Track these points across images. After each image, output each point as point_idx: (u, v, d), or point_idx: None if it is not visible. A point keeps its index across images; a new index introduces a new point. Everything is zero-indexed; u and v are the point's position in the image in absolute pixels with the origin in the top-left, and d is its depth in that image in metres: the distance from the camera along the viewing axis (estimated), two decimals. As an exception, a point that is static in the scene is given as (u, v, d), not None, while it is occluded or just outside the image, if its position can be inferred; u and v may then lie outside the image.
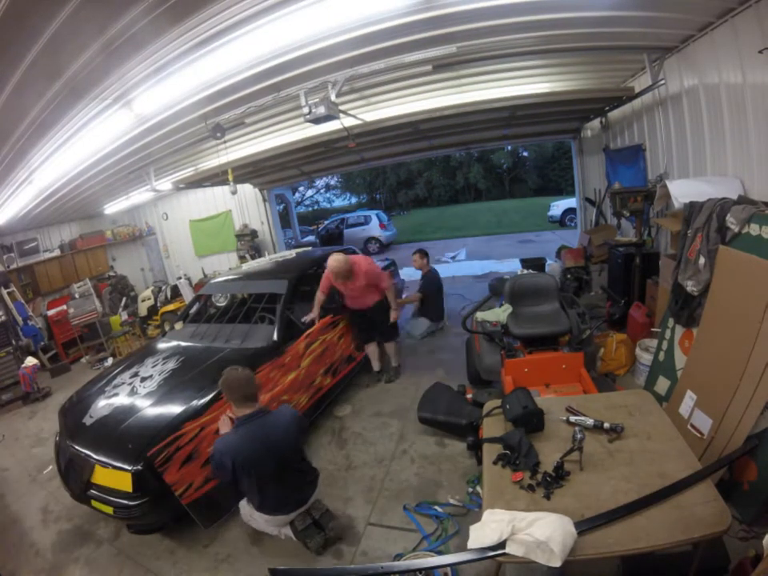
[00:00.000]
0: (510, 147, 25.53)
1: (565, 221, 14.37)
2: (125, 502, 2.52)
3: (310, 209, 31.67)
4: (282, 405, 2.86)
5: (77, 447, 2.80)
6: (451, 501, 2.67)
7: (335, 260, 3.86)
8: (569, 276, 6.26)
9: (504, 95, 5.19)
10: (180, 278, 8.44)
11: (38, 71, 2.78)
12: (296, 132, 5.85)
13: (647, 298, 4.27)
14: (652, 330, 3.78)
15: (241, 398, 2.43)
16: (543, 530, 1.50)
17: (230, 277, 4.77)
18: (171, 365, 3.37)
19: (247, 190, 9.02)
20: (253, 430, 2.36)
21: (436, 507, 2.66)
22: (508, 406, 2.25)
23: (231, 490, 2.58)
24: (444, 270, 7.74)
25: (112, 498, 2.57)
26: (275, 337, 3.52)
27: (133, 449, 2.58)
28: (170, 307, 7.40)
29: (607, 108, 5.70)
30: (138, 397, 3.06)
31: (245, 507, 2.66)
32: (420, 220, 22.50)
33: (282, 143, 5.95)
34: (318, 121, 3.97)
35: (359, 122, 5.07)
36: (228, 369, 2.51)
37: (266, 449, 2.35)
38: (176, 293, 7.98)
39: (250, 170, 6.90)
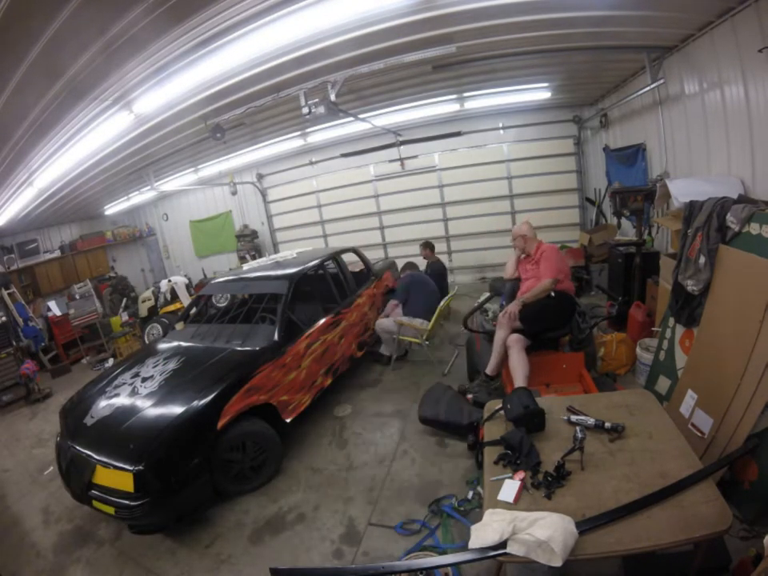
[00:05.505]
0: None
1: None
2: (126, 502, 2.52)
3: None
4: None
5: (78, 447, 2.80)
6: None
7: (521, 221, 3.61)
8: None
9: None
10: (169, 280, 7.96)
11: (38, 72, 2.78)
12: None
13: (647, 297, 4.26)
14: (652, 329, 3.77)
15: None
16: (544, 530, 1.50)
17: (231, 277, 4.77)
18: (172, 365, 3.36)
19: (247, 190, 9.01)
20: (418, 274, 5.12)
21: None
22: (509, 406, 2.25)
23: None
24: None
25: (113, 499, 2.56)
26: (276, 337, 3.52)
27: (134, 449, 2.58)
28: (171, 308, 7.40)
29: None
30: (139, 397, 3.05)
31: (389, 327, 4.55)
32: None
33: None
34: (317, 121, 3.97)
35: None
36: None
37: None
38: (175, 295, 7.95)
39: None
